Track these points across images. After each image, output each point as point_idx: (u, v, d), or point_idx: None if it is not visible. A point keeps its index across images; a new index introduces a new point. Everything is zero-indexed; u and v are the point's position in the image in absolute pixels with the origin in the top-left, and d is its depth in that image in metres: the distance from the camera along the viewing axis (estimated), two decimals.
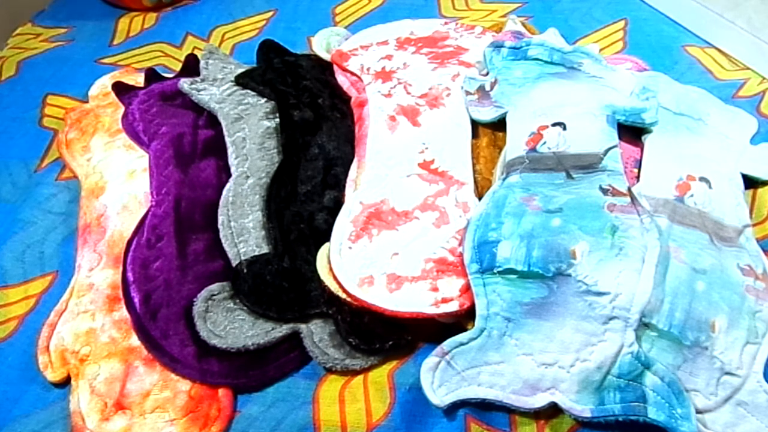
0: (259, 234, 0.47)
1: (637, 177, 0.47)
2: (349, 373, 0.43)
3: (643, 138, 0.50)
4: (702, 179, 0.46)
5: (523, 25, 0.61)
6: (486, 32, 0.61)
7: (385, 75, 0.55)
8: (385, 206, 0.46)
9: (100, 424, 0.41)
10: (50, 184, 0.56)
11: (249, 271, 0.45)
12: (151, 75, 0.60)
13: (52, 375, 0.43)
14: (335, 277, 0.43)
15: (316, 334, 0.43)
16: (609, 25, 0.65)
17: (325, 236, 0.45)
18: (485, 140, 0.51)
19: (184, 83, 0.56)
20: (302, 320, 0.44)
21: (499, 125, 0.51)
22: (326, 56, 0.60)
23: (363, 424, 0.41)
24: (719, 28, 0.64)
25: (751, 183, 0.50)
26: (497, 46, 0.55)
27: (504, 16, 0.67)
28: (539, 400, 0.39)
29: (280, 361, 0.43)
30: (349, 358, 0.43)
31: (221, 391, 0.42)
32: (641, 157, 0.49)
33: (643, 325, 0.39)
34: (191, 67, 0.61)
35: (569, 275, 0.40)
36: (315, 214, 0.48)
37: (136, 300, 0.44)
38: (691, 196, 0.45)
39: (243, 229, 0.47)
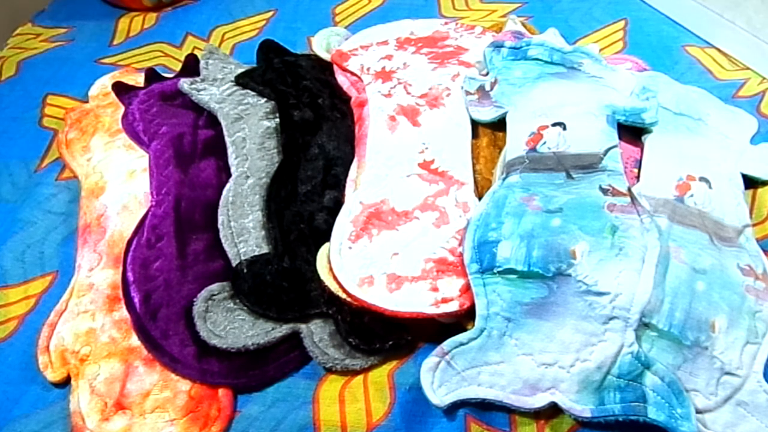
0: (259, 234, 0.47)
1: (637, 177, 0.47)
2: (349, 373, 0.43)
3: (643, 138, 0.50)
4: (702, 179, 0.46)
5: (523, 25, 0.61)
6: (486, 32, 0.61)
7: (385, 75, 0.55)
8: (385, 206, 0.46)
9: (100, 424, 0.41)
10: (50, 184, 0.56)
11: (249, 271, 0.45)
12: (151, 75, 0.60)
13: (52, 375, 0.43)
14: (335, 277, 0.43)
15: (316, 334, 0.43)
16: (609, 25, 0.65)
17: (325, 236, 0.45)
18: (485, 140, 0.51)
19: (184, 83, 0.56)
20: (302, 320, 0.44)
21: (499, 125, 0.51)
22: (326, 56, 0.60)
23: (363, 424, 0.41)
24: (719, 28, 0.64)
25: (751, 183, 0.50)
26: (497, 46, 0.55)
27: (504, 16, 0.67)
28: (539, 400, 0.39)
29: (280, 361, 0.43)
30: (349, 358, 0.43)
31: (221, 391, 0.42)
32: (641, 157, 0.49)
33: (643, 325, 0.39)
34: (191, 67, 0.61)
35: (569, 275, 0.40)
36: (315, 214, 0.48)
37: (136, 300, 0.44)
38: (691, 196, 0.45)
39: (243, 229, 0.47)
